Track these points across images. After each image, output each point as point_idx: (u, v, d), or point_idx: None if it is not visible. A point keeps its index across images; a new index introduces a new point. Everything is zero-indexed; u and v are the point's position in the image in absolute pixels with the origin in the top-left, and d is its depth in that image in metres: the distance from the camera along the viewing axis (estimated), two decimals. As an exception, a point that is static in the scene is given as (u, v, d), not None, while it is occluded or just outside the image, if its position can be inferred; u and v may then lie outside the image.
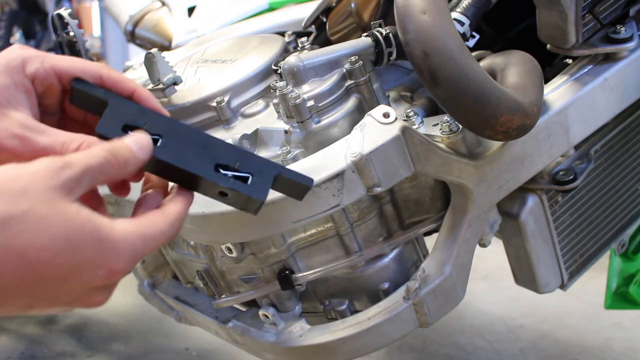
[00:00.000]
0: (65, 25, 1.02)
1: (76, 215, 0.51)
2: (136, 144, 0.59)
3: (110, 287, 0.56)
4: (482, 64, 0.86)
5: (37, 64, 0.62)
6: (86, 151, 0.55)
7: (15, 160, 0.56)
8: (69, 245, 0.50)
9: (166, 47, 1.50)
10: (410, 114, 0.84)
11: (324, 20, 1.09)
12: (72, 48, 1.03)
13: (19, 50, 0.62)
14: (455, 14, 0.84)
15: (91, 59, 1.03)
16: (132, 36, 1.64)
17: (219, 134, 0.90)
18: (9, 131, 0.57)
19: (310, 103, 0.81)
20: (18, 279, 0.49)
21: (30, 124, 0.59)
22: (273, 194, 0.75)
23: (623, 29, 0.89)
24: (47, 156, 0.54)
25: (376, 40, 0.87)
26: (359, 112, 0.83)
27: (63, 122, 0.67)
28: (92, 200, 0.61)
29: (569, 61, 0.94)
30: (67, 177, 0.52)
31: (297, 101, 0.80)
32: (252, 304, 0.97)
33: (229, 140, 0.85)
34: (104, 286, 0.54)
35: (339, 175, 0.74)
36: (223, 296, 0.97)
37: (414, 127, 0.82)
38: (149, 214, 0.58)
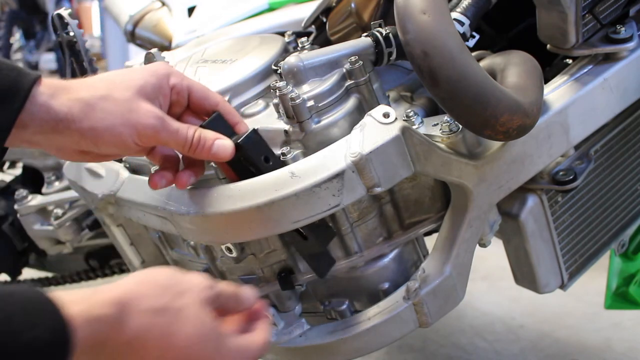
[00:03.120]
0: (65, 25, 1.02)
1: (210, 322, 0.67)
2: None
3: None
4: (482, 64, 0.86)
5: (178, 79, 0.78)
6: (224, 284, 0.72)
7: (154, 136, 0.74)
8: (200, 343, 0.65)
9: (166, 47, 1.50)
10: (410, 114, 0.84)
11: (324, 20, 1.09)
12: (72, 48, 1.03)
13: (166, 65, 0.80)
14: (455, 14, 0.84)
15: (91, 59, 1.04)
16: (132, 36, 1.64)
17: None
18: (153, 112, 0.74)
19: (310, 103, 0.81)
20: (159, 353, 0.63)
21: (165, 114, 0.76)
22: (272, 195, 0.75)
23: (623, 29, 0.89)
24: (178, 136, 0.75)
25: (376, 40, 0.87)
26: (359, 112, 0.83)
27: None
28: (168, 162, 0.80)
29: (569, 61, 0.94)
30: (211, 294, 0.69)
31: (297, 101, 0.80)
32: (252, 304, 0.97)
33: None
34: None
35: (339, 175, 0.74)
36: (223, 296, 0.97)
37: (414, 127, 0.82)
38: (251, 335, 0.72)
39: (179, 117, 0.80)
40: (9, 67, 0.73)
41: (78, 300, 0.59)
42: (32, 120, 0.72)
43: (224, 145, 0.76)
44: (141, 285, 0.65)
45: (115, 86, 0.74)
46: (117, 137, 0.73)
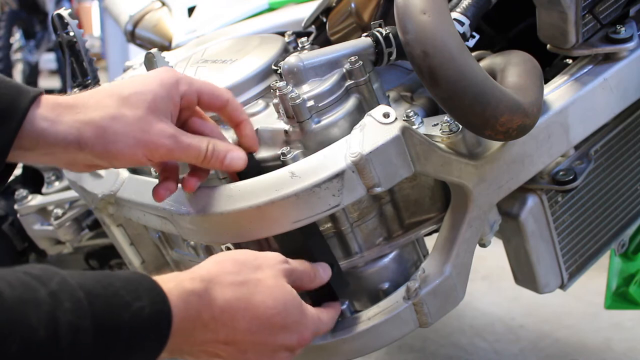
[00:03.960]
0: (65, 25, 1.02)
1: (290, 291, 0.73)
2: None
3: (293, 354, 0.74)
4: (482, 64, 0.86)
5: (186, 86, 0.77)
6: (299, 261, 0.78)
7: (167, 155, 0.75)
8: (285, 310, 0.71)
9: (166, 47, 1.50)
10: (410, 114, 0.84)
11: (324, 20, 1.09)
12: (72, 48, 1.03)
13: (172, 72, 0.78)
14: (455, 14, 0.84)
15: (91, 59, 1.04)
16: (132, 36, 1.64)
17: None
18: (165, 132, 0.74)
19: (310, 103, 0.81)
20: (248, 324, 0.68)
21: (178, 128, 0.76)
22: (272, 195, 0.75)
23: (623, 29, 0.89)
24: (191, 151, 0.75)
25: (376, 40, 0.87)
26: (359, 112, 0.83)
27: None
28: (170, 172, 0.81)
29: (569, 61, 0.94)
30: (286, 267, 0.75)
31: (297, 101, 0.80)
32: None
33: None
34: (290, 351, 0.73)
35: (339, 175, 0.74)
36: (223, 296, 0.97)
37: (414, 127, 0.82)
38: (322, 308, 0.80)
39: (187, 120, 0.80)
40: (7, 85, 0.71)
41: (167, 279, 0.65)
42: (38, 144, 0.71)
43: (237, 156, 0.79)
44: (220, 264, 0.70)
45: (125, 102, 0.73)
46: (131, 156, 0.73)
